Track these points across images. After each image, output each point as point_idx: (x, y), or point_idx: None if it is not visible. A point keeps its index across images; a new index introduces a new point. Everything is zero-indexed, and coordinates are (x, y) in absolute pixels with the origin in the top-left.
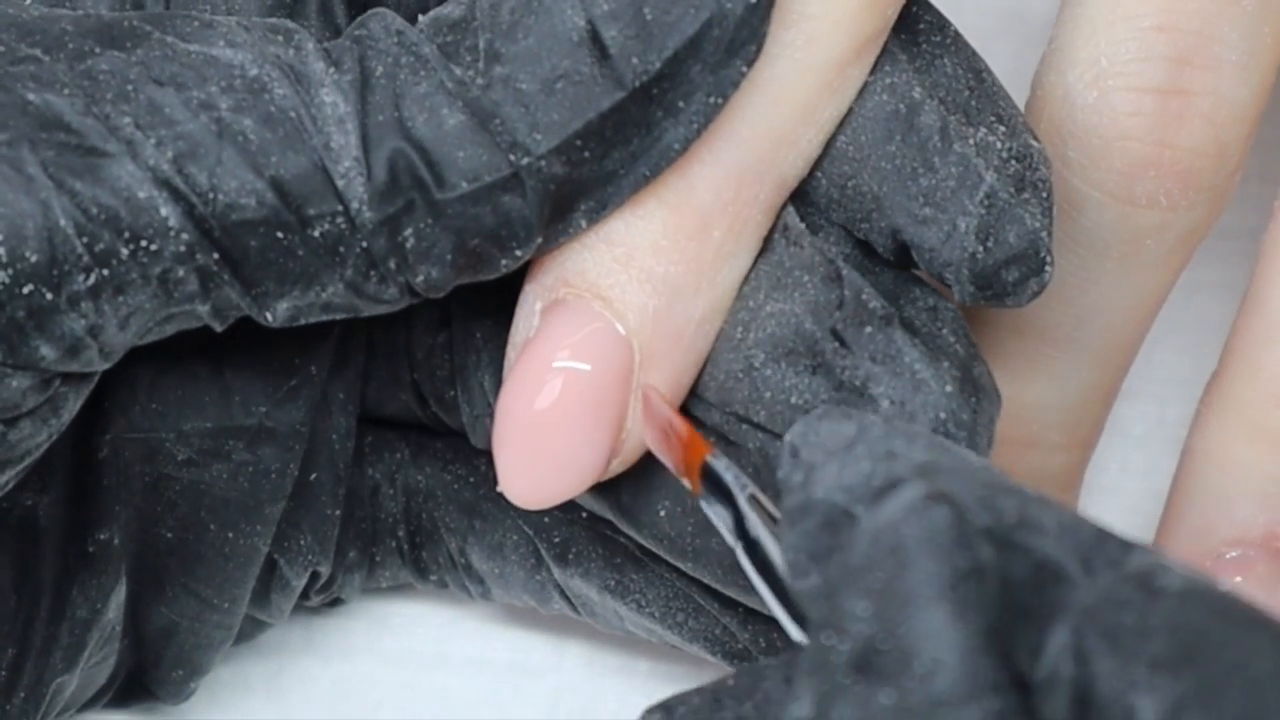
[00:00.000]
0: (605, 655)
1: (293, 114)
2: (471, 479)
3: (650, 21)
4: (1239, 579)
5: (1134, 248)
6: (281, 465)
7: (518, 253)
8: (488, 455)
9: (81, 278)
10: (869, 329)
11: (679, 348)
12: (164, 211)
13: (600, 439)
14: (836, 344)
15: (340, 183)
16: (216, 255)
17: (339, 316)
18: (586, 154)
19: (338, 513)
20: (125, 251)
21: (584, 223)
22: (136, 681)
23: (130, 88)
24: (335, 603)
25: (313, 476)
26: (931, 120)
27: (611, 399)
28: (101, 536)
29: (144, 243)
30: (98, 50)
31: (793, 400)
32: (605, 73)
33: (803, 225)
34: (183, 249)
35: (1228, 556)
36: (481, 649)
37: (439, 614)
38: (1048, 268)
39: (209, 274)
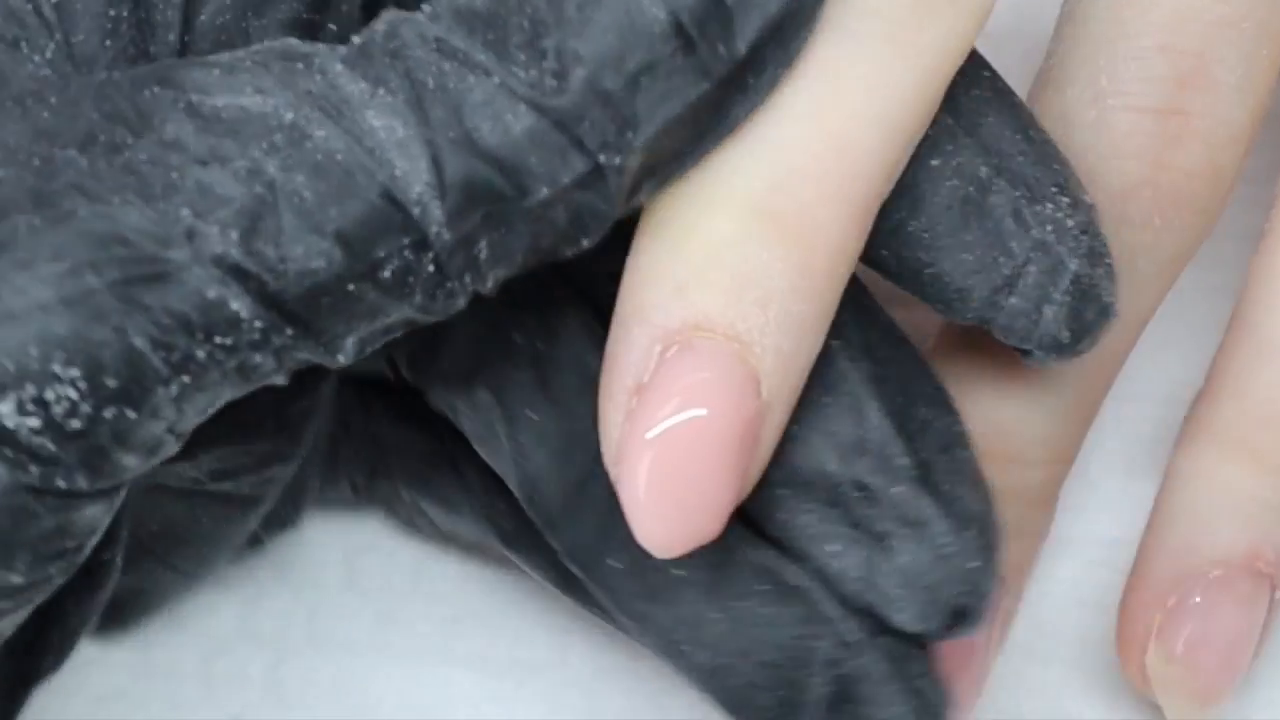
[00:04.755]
0: (610, 652)
1: (339, 156)
2: (425, 434)
3: (731, 7)
4: (1221, 598)
5: (1125, 266)
6: (286, 472)
7: (584, 244)
8: (446, 423)
9: (161, 389)
10: (894, 488)
11: (795, 394)
12: (235, 306)
13: (729, 485)
14: (859, 493)
15: (415, 211)
16: (290, 331)
17: (399, 334)
18: (665, 143)
19: (316, 482)
20: (202, 354)
21: (642, 200)
22: None
23: (175, 175)
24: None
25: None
26: (1002, 201)
27: (742, 445)
28: (105, 556)
29: (218, 339)
30: (130, 141)
31: (802, 523)
32: (691, 64)
33: (834, 344)
34: (257, 336)
35: (1211, 576)
36: (485, 645)
37: (443, 609)
38: (1113, 321)
39: (284, 349)
